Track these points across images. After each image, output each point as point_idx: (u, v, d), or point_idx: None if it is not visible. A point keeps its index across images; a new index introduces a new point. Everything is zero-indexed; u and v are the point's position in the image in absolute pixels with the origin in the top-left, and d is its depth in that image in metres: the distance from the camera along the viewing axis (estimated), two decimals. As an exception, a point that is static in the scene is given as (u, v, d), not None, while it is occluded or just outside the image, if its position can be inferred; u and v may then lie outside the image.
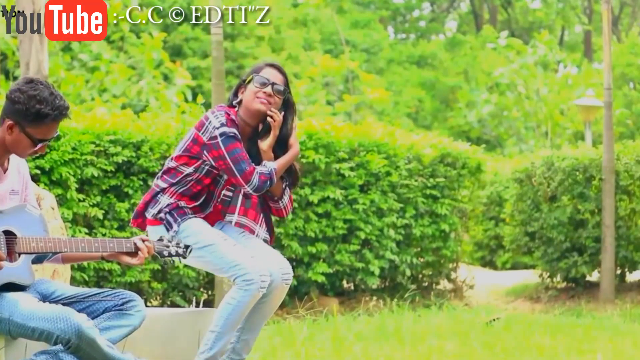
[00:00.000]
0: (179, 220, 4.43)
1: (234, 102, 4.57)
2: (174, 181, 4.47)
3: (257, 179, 4.41)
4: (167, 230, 4.42)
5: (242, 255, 4.38)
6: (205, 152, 4.43)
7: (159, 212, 4.46)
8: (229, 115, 4.46)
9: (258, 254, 4.47)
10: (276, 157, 4.56)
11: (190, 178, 4.47)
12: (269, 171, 4.44)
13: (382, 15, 33.44)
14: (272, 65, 4.61)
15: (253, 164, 4.44)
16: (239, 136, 4.45)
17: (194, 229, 4.40)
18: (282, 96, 4.57)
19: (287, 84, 4.60)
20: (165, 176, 4.50)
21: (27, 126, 3.82)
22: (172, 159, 4.52)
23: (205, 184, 4.50)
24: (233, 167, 4.40)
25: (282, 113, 4.57)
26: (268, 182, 4.44)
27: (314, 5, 26.83)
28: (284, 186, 4.64)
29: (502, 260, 15.01)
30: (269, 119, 4.52)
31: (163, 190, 4.48)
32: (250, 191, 4.44)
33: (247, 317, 4.45)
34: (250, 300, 4.32)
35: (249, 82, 4.56)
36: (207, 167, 4.47)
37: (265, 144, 4.53)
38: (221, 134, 4.40)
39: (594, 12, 33.53)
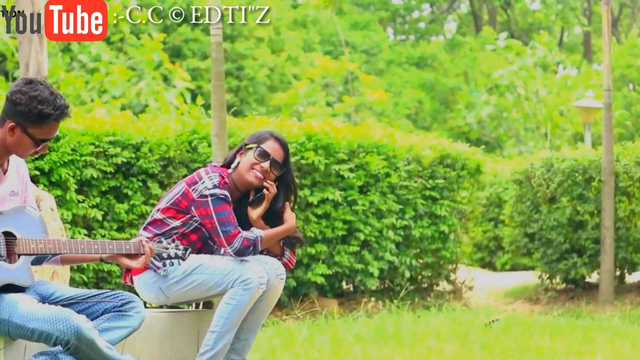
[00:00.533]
0: None
1: (232, 166, 4.56)
2: (158, 232, 4.45)
3: (240, 243, 4.39)
4: (155, 271, 4.43)
5: (233, 263, 4.41)
6: (193, 208, 4.43)
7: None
8: (222, 177, 4.47)
9: (248, 259, 4.49)
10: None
11: (176, 231, 4.46)
12: (254, 237, 4.42)
13: (381, 16, 33.46)
14: (277, 139, 4.58)
15: (239, 228, 4.43)
16: (230, 199, 4.45)
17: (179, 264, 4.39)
18: (279, 173, 4.56)
19: (286, 160, 4.59)
20: (150, 227, 4.48)
21: (29, 127, 3.82)
22: (158, 210, 4.50)
23: (191, 239, 4.49)
24: (218, 228, 4.39)
25: (276, 184, 4.57)
26: (251, 248, 4.41)
27: (314, 6, 26.85)
28: (281, 244, 4.63)
29: (502, 261, 15.02)
30: (264, 190, 4.53)
31: (146, 239, 4.46)
32: (231, 253, 4.41)
33: (246, 318, 4.46)
34: (250, 299, 4.33)
35: (250, 148, 4.56)
36: (195, 224, 4.47)
37: (255, 214, 4.54)
38: (212, 195, 4.40)
39: (593, 13, 33.54)
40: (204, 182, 4.44)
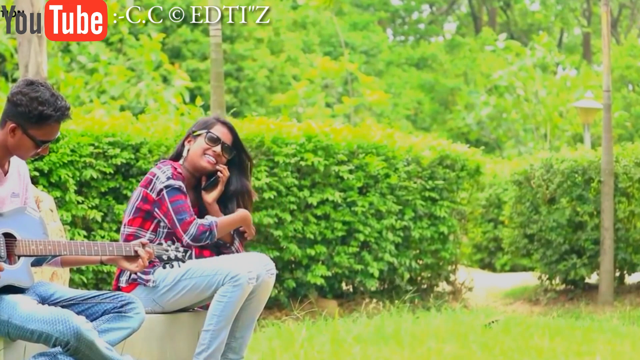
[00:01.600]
0: (151, 271, 4.46)
1: (183, 155, 4.63)
2: None
3: (195, 229, 4.43)
4: (144, 285, 4.45)
5: (220, 262, 4.45)
6: (156, 209, 4.47)
7: (130, 275, 4.48)
8: (175, 169, 4.52)
9: (236, 257, 4.54)
10: (227, 213, 4.62)
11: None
12: (208, 224, 4.47)
13: (381, 17, 33.47)
14: (224, 123, 4.70)
15: (195, 216, 4.47)
16: (185, 189, 4.50)
17: (167, 269, 4.41)
18: (229, 156, 4.66)
19: (235, 142, 4.69)
20: None
21: (30, 128, 3.82)
22: (126, 224, 4.53)
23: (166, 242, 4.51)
24: (174, 218, 4.44)
25: (227, 167, 4.67)
26: (207, 234, 4.45)
27: (314, 7, 26.87)
28: (232, 232, 4.67)
29: (501, 262, 15.02)
30: (218, 173, 4.62)
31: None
32: (188, 240, 4.45)
33: (239, 316, 4.49)
34: (241, 294, 4.35)
35: (198, 135, 4.63)
36: (165, 230, 4.49)
37: (210, 197, 4.61)
38: (166, 186, 4.46)
39: (592, 14, 33.56)
40: (158, 177, 4.49)
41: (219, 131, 4.65)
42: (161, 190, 4.45)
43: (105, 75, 17.50)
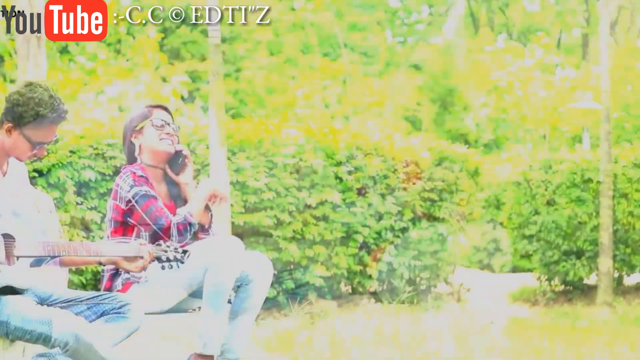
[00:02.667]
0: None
1: (135, 154, 4.62)
2: None
3: (176, 231, 4.45)
4: (137, 283, 4.46)
5: (203, 252, 4.42)
6: (128, 218, 4.48)
7: (124, 275, 4.48)
8: (134, 173, 4.50)
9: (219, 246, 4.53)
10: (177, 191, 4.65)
11: None
12: (183, 219, 4.47)
13: (380, 18, 33.46)
14: (158, 107, 4.70)
15: (170, 217, 4.47)
16: (152, 192, 4.49)
17: (158, 266, 4.42)
18: (177, 133, 4.69)
19: (173, 120, 4.72)
20: None
21: (26, 129, 3.82)
22: (109, 237, 4.53)
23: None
24: (153, 226, 4.45)
25: None
26: (188, 228, 4.47)
27: (312, 10, 26.88)
28: (210, 214, 4.68)
29: (500, 263, 15.03)
30: (183, 151, 4.63)
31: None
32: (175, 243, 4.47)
33: (237, 316, 4.49)
34: (228, 278, 4.32)
35: (143, 127, 4.62)
36: (148, 234, 4.49)
37: (187, 177, 4.63)
38: (134, 196, 4.45)
39: (592, 15, 33.57)
40: (121, 187, 4.49)
41: (160, 115, 4.66)
42: (129, 201, 4.45)
43: (104, 76, 17.48)
